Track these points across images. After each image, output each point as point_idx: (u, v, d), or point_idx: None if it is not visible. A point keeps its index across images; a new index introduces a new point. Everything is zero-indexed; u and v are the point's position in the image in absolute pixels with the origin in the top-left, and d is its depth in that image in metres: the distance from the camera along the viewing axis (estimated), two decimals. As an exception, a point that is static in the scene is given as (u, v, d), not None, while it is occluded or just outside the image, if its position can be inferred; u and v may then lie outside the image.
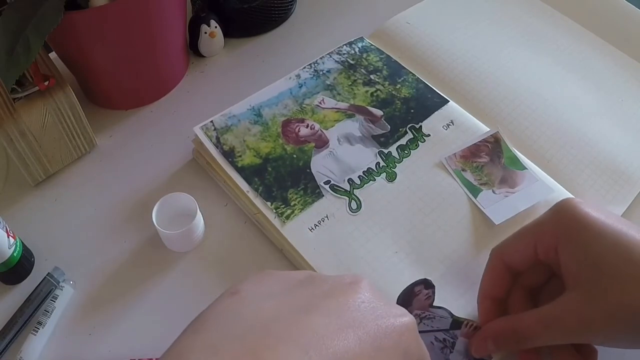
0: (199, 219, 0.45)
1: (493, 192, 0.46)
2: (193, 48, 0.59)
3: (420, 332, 0.39)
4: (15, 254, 0.42)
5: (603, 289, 0.32)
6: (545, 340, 0.34)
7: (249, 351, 0.23)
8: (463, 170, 0.47)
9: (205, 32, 0.58)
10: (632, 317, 0.31)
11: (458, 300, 0.41)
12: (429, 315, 0.40)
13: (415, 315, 0.40)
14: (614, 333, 0.32)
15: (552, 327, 0.33)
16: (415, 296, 0.41)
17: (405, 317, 0.29)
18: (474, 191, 0.46)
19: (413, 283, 0.42)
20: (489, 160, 0.48)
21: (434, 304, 0.41)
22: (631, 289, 0.31)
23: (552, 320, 0.33)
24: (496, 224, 0.44)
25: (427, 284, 0.42)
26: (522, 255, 0.37)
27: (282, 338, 0.24)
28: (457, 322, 0.40)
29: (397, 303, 0.40)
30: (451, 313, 0.40)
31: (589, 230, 0.34)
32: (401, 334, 0.28)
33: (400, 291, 0.41)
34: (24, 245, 0.44)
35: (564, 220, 0.35)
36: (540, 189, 0.46)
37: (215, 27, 0.58)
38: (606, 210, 0.35)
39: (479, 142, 0.49)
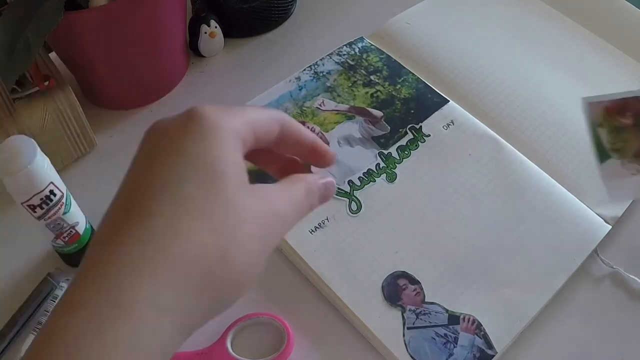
0: (199, 220, 0.45)
1: (622, 164, 0.39)
2: (193, 48, 0.59)
3: (419, 327, 0.39)
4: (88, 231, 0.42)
5: None
6: None
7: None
8: (600, 125, 0.39)
9: (205, 32, 0.58)
10: None
11: (459, 298, 0.41)
12: (424, 310, 0.40)
13: (411, 312, 0.40)
14: None
15: None
16: (402, 290, 0.41)
17: None
18: (603, 155, 0.39)
19: (391, 275, 0.42)
20: (632, 123, 0.39)
21: (426, 299, 0.41)
22: None
23: None
24: (611, 202, 0.40)
25: (411, 279, 0.42)
26: None
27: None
28: (453, 317, 0.40)
29: (384, 298, 0.41)
30: (445, 308, 0.41)
31: None
32: None
33: (383, 283, 0.41)
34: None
35: None
36: None
37: (215, 27, 0.58)
38: None
39: (630, 97, 0.39)
